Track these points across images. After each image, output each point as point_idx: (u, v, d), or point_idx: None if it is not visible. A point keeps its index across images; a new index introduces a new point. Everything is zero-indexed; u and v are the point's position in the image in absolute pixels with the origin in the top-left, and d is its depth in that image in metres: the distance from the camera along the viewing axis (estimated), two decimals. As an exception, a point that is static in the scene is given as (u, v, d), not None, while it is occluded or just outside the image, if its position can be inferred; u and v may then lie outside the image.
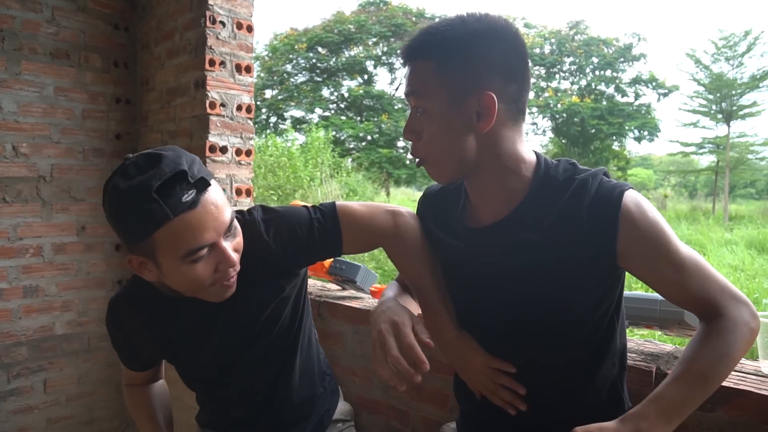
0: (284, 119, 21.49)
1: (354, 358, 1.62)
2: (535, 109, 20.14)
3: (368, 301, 1.65)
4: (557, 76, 22.00)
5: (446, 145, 0.93)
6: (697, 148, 23.15)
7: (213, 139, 2.01)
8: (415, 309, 1.08)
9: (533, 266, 0.92)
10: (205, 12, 1.97)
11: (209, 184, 0.93)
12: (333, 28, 20.67)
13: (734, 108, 20.35)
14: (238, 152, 2.10)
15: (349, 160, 16.77)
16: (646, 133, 20.29)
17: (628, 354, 1.10)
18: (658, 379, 1.07)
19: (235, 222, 1.00)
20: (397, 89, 22.29)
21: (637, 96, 20.82)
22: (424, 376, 0.91)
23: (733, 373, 1.06)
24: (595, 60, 20.80)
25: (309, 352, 1.25)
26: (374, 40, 20.95)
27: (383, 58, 21.57)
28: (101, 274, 2.39)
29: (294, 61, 21.17)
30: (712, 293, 0.88)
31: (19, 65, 2.14)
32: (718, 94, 20.51)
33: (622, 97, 20.92)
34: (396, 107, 20.44)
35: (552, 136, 22.40)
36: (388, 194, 18.10)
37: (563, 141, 21.51)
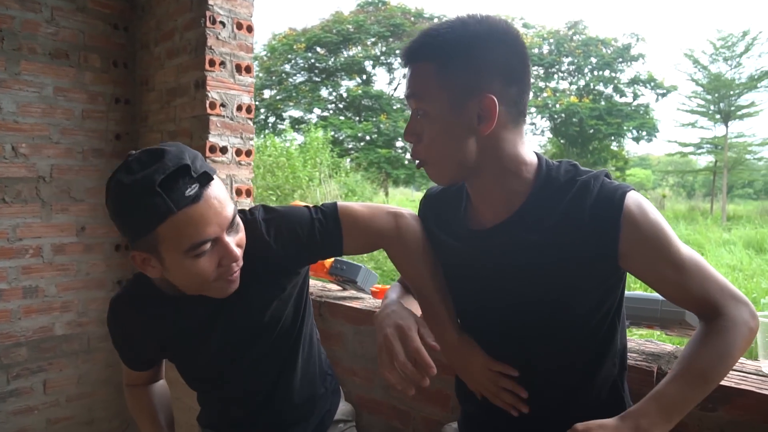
0: (283, 119, 21.49)
1: (355, 358, 1.62)
2: (533, 110, 20.14)
3: (369, 302, 1.65)
4: (556, 76, 22.04)
5: (447, 148, 0.93)
6: (695, 149, 23.19)
7: (213, 139, 2.01)
8: (418, 310, 1.08)
9: (535, 267, 0.92)
10: (205, 12, 1.97)
11: (212, 179, 0.94)
12: (331, 28, 20.67)
13: (732, 108, 20.39)
14: (238, 152, 2.10)
15: (348, 160, 16.76)
16: (644, 133, 20.32)
17: (629, 354, 1.11)
18: (659, 379, 1.07)
19: (238, 218, 1.00)
20: (395, 89, 22.34)
21: (635, 96, 20.87)
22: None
23: (733, 372, 1.07)
24: (593, 60, 20.83)
25: (310, 352, 1.25)
26: (373, 40, 20.96)
27: (382, 58, 21.59)
28: (101, 274, 2.39)
29: (292, 61, 21.17)
30: (712, 293, 0.89)
31: (19, 65, 2.13)
32: (716, 95, 20.55)
33: (621, 97, 20.97)
34: (395, 107, 20.45)
35: (550, 136, 22.45)
36: (386, 194, 18.10)
37: (562, 141, 21.54)
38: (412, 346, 0.91)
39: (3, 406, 2.16)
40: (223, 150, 2.05)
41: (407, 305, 1.06)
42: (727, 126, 20.89)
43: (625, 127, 19.89)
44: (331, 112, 21.21)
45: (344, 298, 1.69)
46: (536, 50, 20.89)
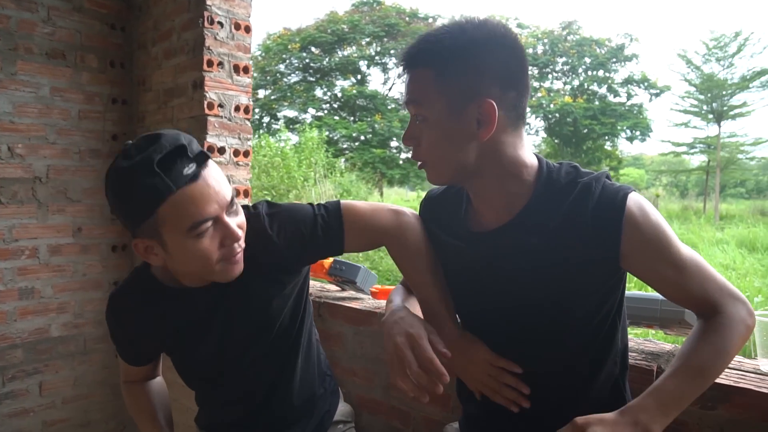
0: (277, 119, 21.46)
1: (354, 358, 1.62)
2: (528, 109, 20.13)
3: (368, 302, 1.65)
4: (550, 76, 22.11)
5: (446, 153, 0.93)
6: (688, 148, 23.35)
7: (211, 139, 2.01)
8: (419, 311, 1.09)
9: (537, 270, 0.93)
10: (203, 12, 1.96)
11: (209, 158, 0.96)
12: (326, 28, 20.65)
13: (725, 108, 20.54)
14: (236, 153, 2.09)
15: (343, 160, 16.76)
16: (638, 133, 20.42)
17: (629, 353, 1.12)
18: (659, 378, 1.09)
19: (237, 203, 1.01)
20: (390, 89, 22.33)
21: (629, 96, 20.96)
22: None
23: (732, 371, 1.08)
24: (587, 60, 20.91)
25: (309, 353, 1.25)
26: (367, 40, 20.95)
27: (376, 58, 21.58)
28: (97, 275, 2.38)
29: (287, 61, 21.13)
30: (711, 292, 0.90)
31: (15, 65, 2.12)
32: (709, 95, 20.69)
33: (615, 97, 21.05)
34: (389, 107, 20.45)
35: (545, 136, 22.50)
36: (381, 194, 18.10)
37: (556, 141, 21.62)
38: (424, 355, 0.91)
39: (-1, 408, 2.15)
40: (221, 150, 2.04)
41: (412, 308, 1.06)
42: (719, 126, 21.03)
43: (618, 127, 19.97)
44: (325, 112, 21.18)
45: (343, 299, 1.69)
46: (531, 50, 20.92)
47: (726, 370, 1.07)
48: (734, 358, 1.09)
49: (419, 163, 0.98)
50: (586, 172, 0.95)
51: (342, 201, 1.13)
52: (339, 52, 21.35)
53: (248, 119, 2.13)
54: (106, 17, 2.34)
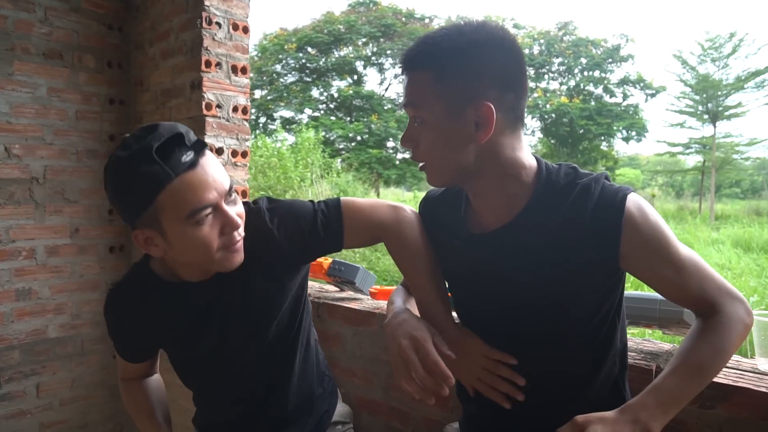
0: (273, 119, 21.43)
1: (353, 359, 1.62)
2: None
3: (367, 303, 1.66)
4: (546, 76, 22.17)
5: (444, 155, 0.94)
6: (683, 149, 23.43)
7: (209, 140, 2.01)
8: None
9: (537, 270, 0.93)
10: (201, 13, 1.96)
11: (206, 146, 0.97)
12: (323, 28, 20.64)
13: (720, 109, 20.63)
14: (234, 154, 2.09)
15: (339, 160, 16.75)
16: (633, 133, 20.49)
17: (628, 353, 1.12)
18: (658, 378, 1.09)
19: (236, 193, 1.02)
20: (386, 89, 22.33)
21: (625, 96, 21.04)
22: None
23: (731, 370, 1.08)
24: (583, 61, 20.98)
25: (308, 353, 1.25)
26: (364, 40, 20.95)
27: (373, 58, 21.59)
28: (95, 276, 2.37)
29: (283, 62, 21.12)
30: (710, 292, 0.91)
31: (12, 65, 2.11)
32: (704, 95, 20.79)
33: (611, 97, 21.13)
34: (386, 107, 20.46)
35: (541, 136, 22.55)
36: (378, 195, 18.09)
37: (552, 141, 21.66)
38: (430, 359, 0.91)
39: (-4, 409, 2.14)
40: (219, 151, 2.04)
41: (413, 309, 1.06)
42: (714, 126, 21.14)
43: (614, 128, 20.04)
44: (322, 112, 21.18)
45: (342, 299, 1.69)
46: (527, 51, 20.96)
47: (724, 369, 1.08)
48: (732, 358, 1.10)
49: (420, 164, 0.98)
50: (586, 173, 0.95)
51: (342, 197, 1.14)
52: (335, 53, 21.35)
53: (246, 120, 2.12)
54: (103, 17, 2.34)
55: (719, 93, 20.44)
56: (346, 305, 1.63)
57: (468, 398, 1.09)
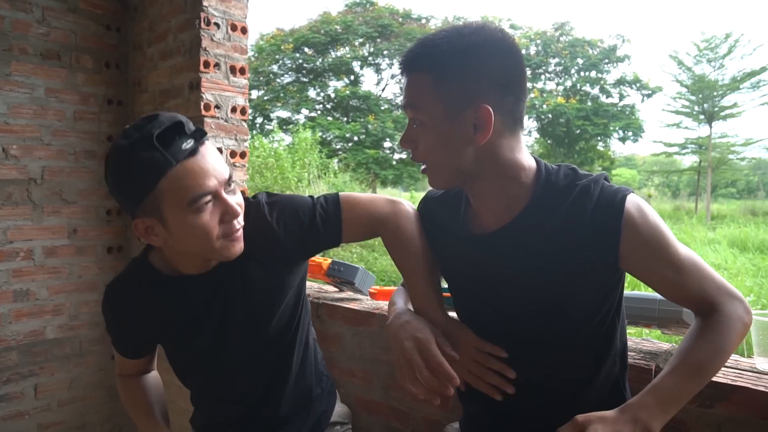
0: (270, 120, 21.38)
1: (353, 359, 1.62)
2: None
3: (367, 303, 1.66)
4: (543, 77, 22.17)
5: (443, 156, 0.94)
6: (680, 149, 23.52)
7: (208, 141, 2.00)
8: None
9: (537, 271, 0.94)
10: (199, 13, 1.96)
11: (206, 135, 0.98)
12: (319, 28, 20.61)
13: (716, 109, 20.71)
14: (233, 154, 2.09)
15: (336, 161, 16.74)
16: (630, 133, 20.51)
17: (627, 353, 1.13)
18: (657, 377, 1.10)
19: (235, 183, 1.03)
20: (383, 90, 22.32)
21: (621, 97, 21.05)
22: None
23: (729, 370, 1.09)
24: (580, 61, 20.99)
25: (306, 351, 1.25)
26: (361, 40, 20.93)
27: (370, 58, 21.56)
28: (93, 277, 2.37)
29: (280, 62, 21.07)
30: (709, 291, 0.92)
31: (9, 66, 2.11)
32: (700, 96, 20.86)
33: (607, 98, 21.14)
34: (382, 108, 20.44)
35: (537, 136, 22.57)
36: (375, 195, 18.01)
37: (549, 141, 21.69)
38: (434, 361, 0.92)
39: (-6, 411, 2.13)
40: (218, 152, 2.04)
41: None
42: (710, 126, 21.21)
43: (611, 128, 20.06)
44: (318, 112, 21.14)
45: (342, 300, 1.69)
46: (523, 51, 20.89)
47: (723, 368, 1.08)
48: (731, 357, 1.11)
49: (422, 167, 0.99)
50: (585, 174, 0.96)
51: (340, 192, 1.15)
52: (332, 53, 21.32)
53: (245, 120, 2.12)
54: (101, 18, 2.33)
55: (715, 93, 20.52)
56: (346, 305, 1.63)
57: (468, 398, 1.10)
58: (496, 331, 1.01)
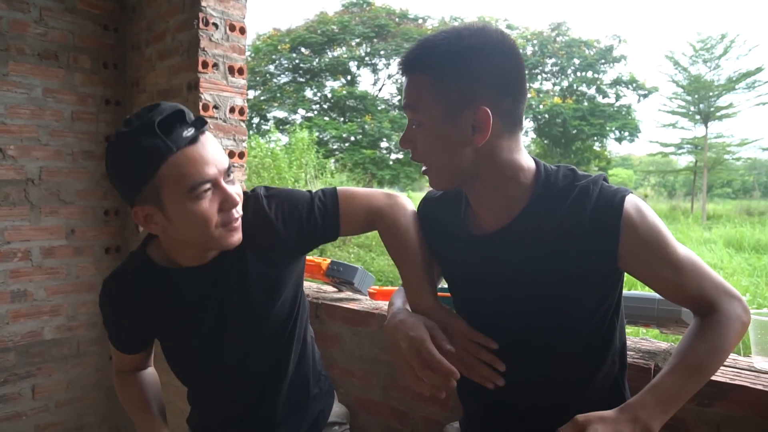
0: (267, 120, 21.35)
1: (352, 359, 1.62)
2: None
3: (366, 303, 1.66)
4: (539, 77, 22.20)
5: (441, 157, 0.94)
6: (676, 149, 23.56)
7: (206, 141, 2.00)
8: None
9: (536, 272, 0.94)
10: (197, 14, 1.96)
11: (206, 123, 0.99)
12: (316, 28, 20.58)
13: (711, 109, 20.77)
14: (231, 154, 2.09)
15: (333, 161, 16.72)
16: (626, 133, 20.56)
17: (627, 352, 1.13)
18: (656, 376, 1.10)
19: (233, 173, 1.03)
20: (380, 90, 22.31)
21: (617, 97, 21.09)
22: None
23: (728, 369, 1.10)
24: (576, 61, 21.03)
25: (304, 351, 1.25)
26: (357, 40, 20.91)
27: (366, 58, 21.55)
28: (90, 277, 2.36)
29: (277, 62, 21.03)
30: (708, 290, 0.92)
31: (7, 66, 2.10)
32: (696, 96, 20.91)
33: (603, 98, 21.18)
34: (379, 108, 20.43)
35: (534, 136, 22.60)
36: (372, 195, 17.98)
37: (545, 141, 21.72)
38: (431, 360, 0.92)
39: (-9, 412, 2.13)
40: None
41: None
42: (706, 126, 21.27)
43: (607, 128, 20.10)
44: (315, 112, 21.10)
45: (341, 300, 1.69)
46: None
47: (722, 367, 1.09)
48: (729, 356, 1.11)
49: (423, 169, 0.99)
50: (584, 175, 0.96)
51: (338, 186, 1.16)
52: (329, 53, 21.29)
53: (243, 121, 2.12)
54: (99, 18, 2.33)
55: (711, 94, 20.57)
56: (345, 306, 1.63)
57: (468, 398, 1.10)
58: (496, 331, 1.01)
